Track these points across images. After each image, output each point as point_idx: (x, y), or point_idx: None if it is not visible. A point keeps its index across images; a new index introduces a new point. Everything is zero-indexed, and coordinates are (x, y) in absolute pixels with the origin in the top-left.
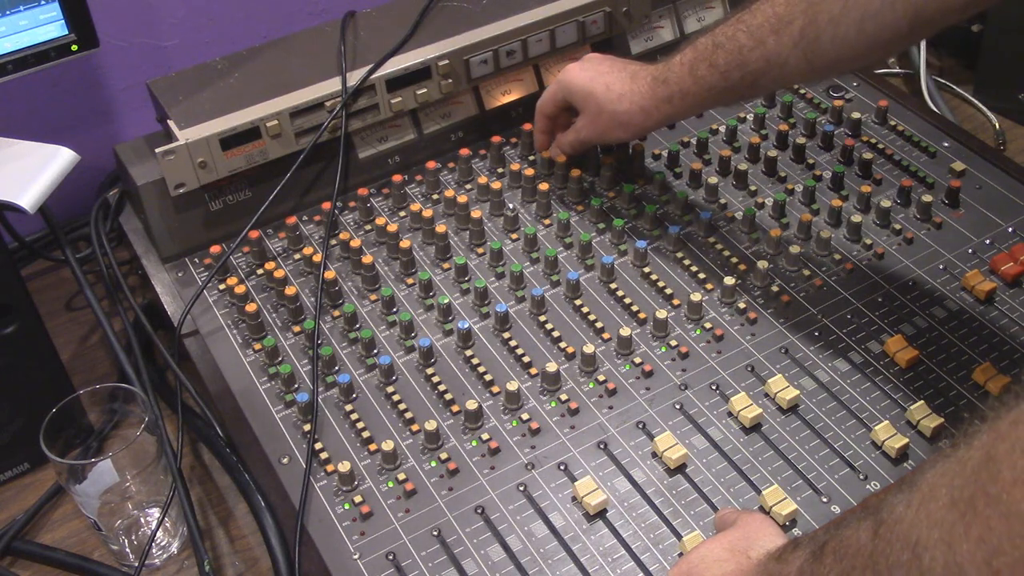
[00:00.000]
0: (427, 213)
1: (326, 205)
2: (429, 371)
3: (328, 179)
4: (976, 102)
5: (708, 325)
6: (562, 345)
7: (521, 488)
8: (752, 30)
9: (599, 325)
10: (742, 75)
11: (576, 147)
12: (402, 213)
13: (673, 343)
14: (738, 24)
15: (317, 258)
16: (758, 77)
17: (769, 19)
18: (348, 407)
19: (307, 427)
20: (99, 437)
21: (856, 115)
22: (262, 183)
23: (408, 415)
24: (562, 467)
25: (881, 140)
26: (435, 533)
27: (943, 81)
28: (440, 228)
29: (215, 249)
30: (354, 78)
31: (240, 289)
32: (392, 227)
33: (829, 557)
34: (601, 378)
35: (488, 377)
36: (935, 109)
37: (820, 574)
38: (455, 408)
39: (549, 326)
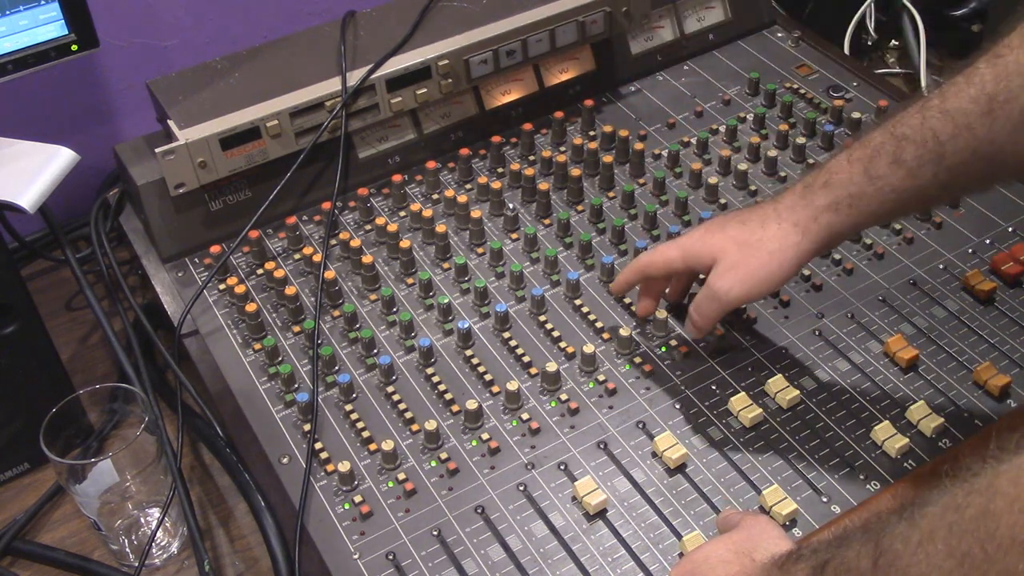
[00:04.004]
0: (427, 213)
1: (326, 205)
2: (429, 371)
3: (328, 179)
4: None
5: None
6: (562, 345)
7: (521, 488)
8: (950, 114)
9: (599, 325)
10: (936, 171)
11: (716, 311)
12: (402, 213)
13: (673, 343)
14: (925, 110)
15: (317, 258)
16: (957, 175)
17: (975, 99)
18: (348, 407)
19: (307, 427)
20: (99, 437)
21: (856, 115)
22: (262, 183)
23: (408, 415)
24: (562, 467)
25: None
26: (435, 533)
27: (943, 81)
28: (440, 228)
29: (215, 249)
30: (354, 78)
31: (240, 289)
32: (392, 227)
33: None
34: (601, 378)
35: (488, 377)
36: None
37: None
38: (455, 408)
39: (549, 326)
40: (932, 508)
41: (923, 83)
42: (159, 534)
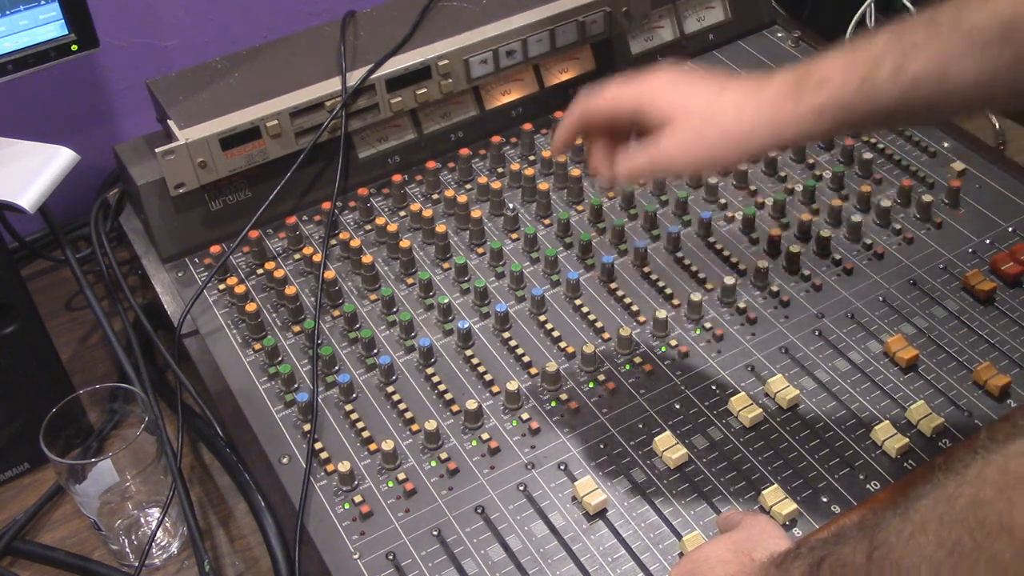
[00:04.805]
0: (427, 213)
1: (326, 205)
2: (429, 371)
3: (328, 179)
4: None
5: (708, 325)
6: (562, 345)
7: (521, 488)
8: (965, 32)
9: (599, 325)
10: (934, 91)
11: (648, 174)
12: (402, 213)
13: (673, 343)
14: (936, 24)
15: (317, 258)
16: (951, 99)
17: (991, 22)
18: (348, 407)
19: (307, 427)
20: (99, 437)
21: None
22: (262, 183)
23: (408, 415)
24: (562, 467)
25: (881, 140)
26: (435, 533)
27: None
28: (440, 228)
29: (215, 249)
30: (354, 78)
31: (240, 289)
32: (392, 227)
33: (825, 573)
34: (601, 378)
35: (488, 377)
36: None
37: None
38: (455, 408)
39: (549, 326)
40: (924, 501)
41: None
42: (159, 534)
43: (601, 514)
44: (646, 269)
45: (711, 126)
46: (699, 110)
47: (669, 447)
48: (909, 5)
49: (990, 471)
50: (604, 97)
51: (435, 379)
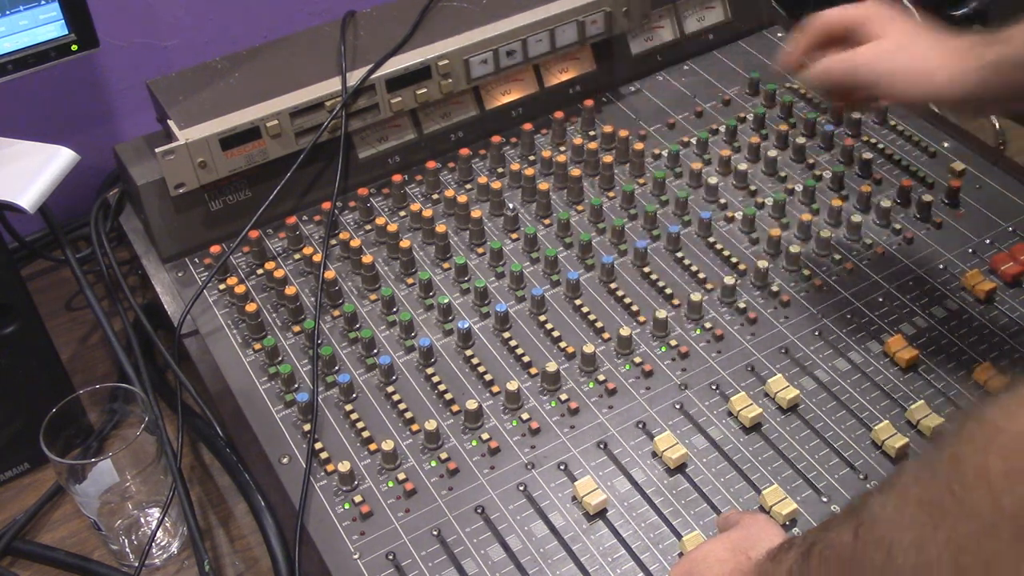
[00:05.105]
0: (427, 213)
1: (326, 205)
2: (429, 371)
3: (328, 179)
4: None
5: (708, 325)
6: (562, 345)
7: (521, 488)
8: None
9: (599, 325)
10: None
11: (838, 71)
12: (402, 213)
13: (673, 343)
14: None
15: (317, 258)
16: None
17: None
18: (348, 407)
19: (307, 427)
20: (99, 437)
21: (856, 115)
22: (262, 183)
23: (408, 415)
24: (562, 467)
25: (881, 140)
26: (435, 533)
27: None
28: (440, 228)
29: (215, 249)
30: (354, 78)
31: (240, 289)
32: (392, 227)
33: (815, 559)
34: (601, 378)
35: (488, 377)
36: (935, 109)
37: (807, 575)
38: (455, 408)
39: (549, 326)
40: (907, 474)
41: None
42: (159, 534)
43: (601, 514)
44: (646, 269)
45: (904, 53)
46: (902, 39)
47: (669, 447)
48: (909, 5)
49: (969, 427)
50: (836, 10)
51: (435, 379)
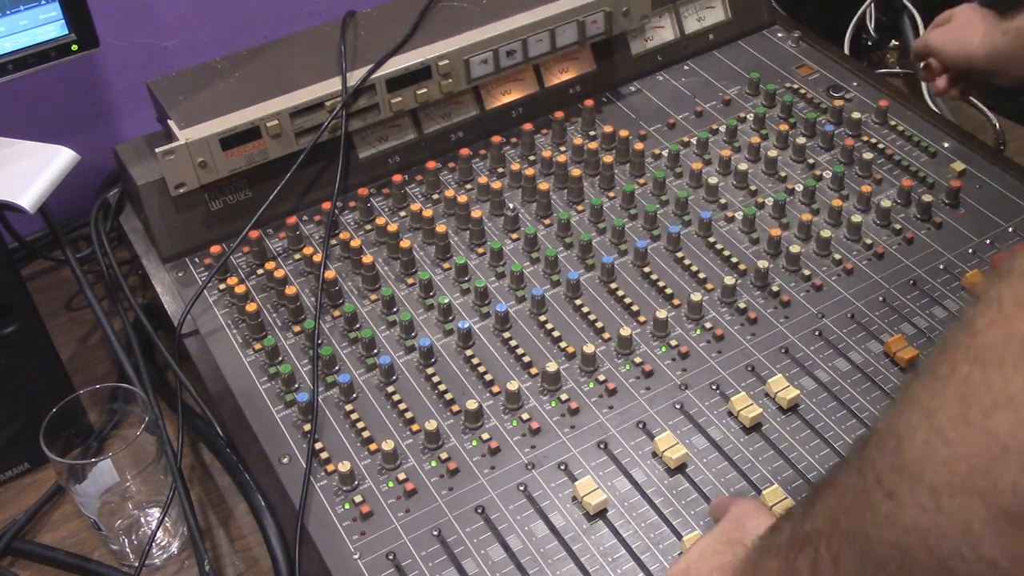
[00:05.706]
0: (427, 213)
1: (326, 205)
2: (429, 371)
3: (328, 179)
4: (976, 102)
5: (708, 325)
6: (562, 345)
7: (521, 488)
8: None
9: (599, 325)
10: None
11: (919, 51)
12: (402, 213)
13: (673, 343)
14: None
15: (317, 258)
16: None
17: None
18: (348, 407)
19: (307, 427)
20: (99, 437)
21: (856, 115)
22: (262, 183)
23: (408, 415)
24: (562, 467)
25: (881, 140)
26: (435, 533)
27: None
28: (440, 228)
29: (215, 249)
30: (354, 78)
31: (240, 289)
32: (392, 227)
33: (824, 494)
34: (601, 378)
35: (488, 377)
36: (935, 109)
37: (814, 513)
38: (455, 408)
39: (549, 326)
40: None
41: (924, 83)
42: (159, 534)
43: (601, 514)
44: (646, 269)
45: (954, 24)
46: (959, 18)
47: (669, 447)
48: (909, 5)
49: (989, 292)
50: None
51: (435, 379)
